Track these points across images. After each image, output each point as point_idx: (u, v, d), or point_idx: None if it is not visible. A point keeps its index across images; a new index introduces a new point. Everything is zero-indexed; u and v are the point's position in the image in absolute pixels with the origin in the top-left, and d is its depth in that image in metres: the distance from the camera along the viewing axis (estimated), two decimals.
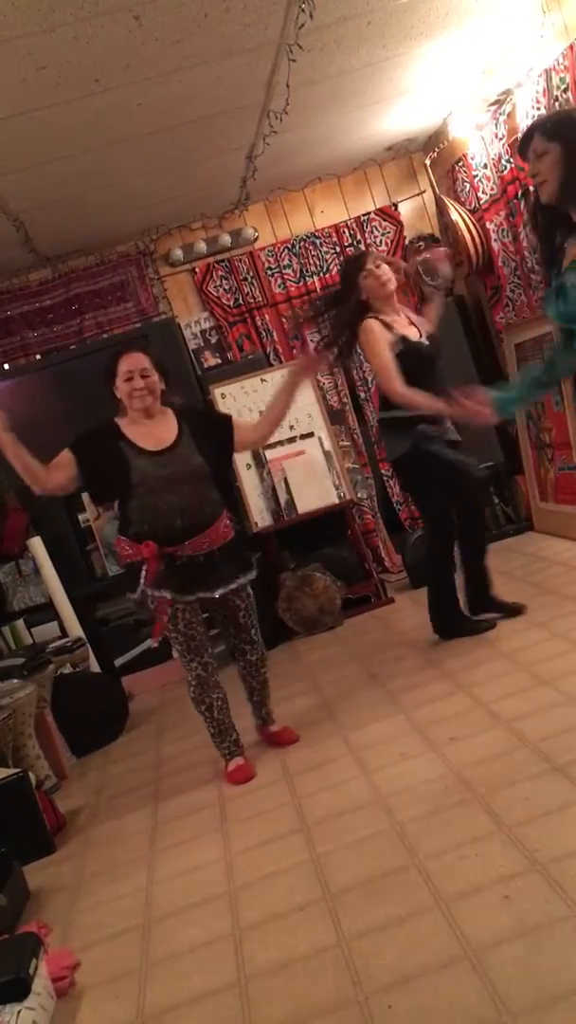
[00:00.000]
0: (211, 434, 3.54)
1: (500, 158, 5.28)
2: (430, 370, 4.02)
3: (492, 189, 5.53)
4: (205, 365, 6.24)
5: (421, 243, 6.29)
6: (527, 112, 4.77)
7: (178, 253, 6.22)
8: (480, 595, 4.29)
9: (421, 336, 4.11)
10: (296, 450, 5.69)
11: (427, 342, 4.11)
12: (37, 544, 5.44)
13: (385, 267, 4.06)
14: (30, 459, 3.32)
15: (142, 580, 3.37)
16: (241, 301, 6.29)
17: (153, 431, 3.46)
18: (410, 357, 3.98)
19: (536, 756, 2.86)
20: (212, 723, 3.61)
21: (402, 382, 3.94)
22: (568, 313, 2.62)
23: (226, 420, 3.66)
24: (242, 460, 5.65)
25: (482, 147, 5.46)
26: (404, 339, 4.01)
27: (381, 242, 6.32)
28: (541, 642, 3.85)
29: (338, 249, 6.29)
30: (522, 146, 2.65)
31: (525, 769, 2.80)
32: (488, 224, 5.72)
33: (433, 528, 4.27)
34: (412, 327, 4.12)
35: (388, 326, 4.03)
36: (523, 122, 4.84)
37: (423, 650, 4.36)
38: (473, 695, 3.56)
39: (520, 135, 2.70)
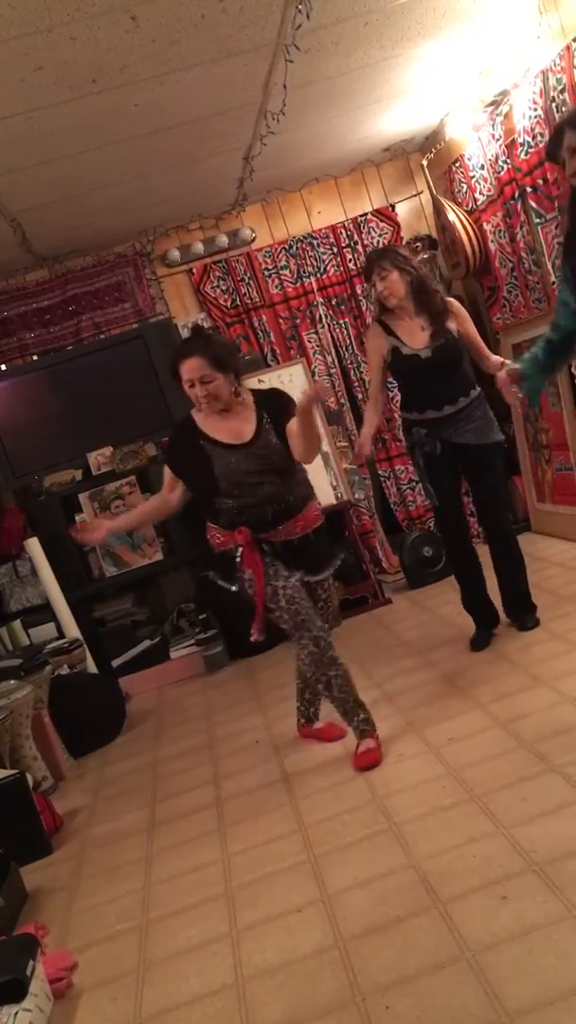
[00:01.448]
0: (289, 416, 3.31)
1: (497, 159, 5.28)
2: (428, 378, 3.98)
3: (489, 190, 5.53)
4: None
5: (419, 244, 6.31)
6: (524, 113, 4.78)
7: (175, 254, 6.22)
8: (507, 602, 4.20)
9: (427, 344, 3.98)
10: None
11: (428, 351, 3.98)
12: (34, 544, 5.44)
13: (390, 279, 3.92)
14: (143, 516, 3.69)
15: (239, 566, 3.30)
16: (238, 302, 6.29)
17: (231, 425, 3.32)
18: (400, 366, 4.03)
19: (534, 757, 2.86)
20: (335, 701, 3.39)
21: (375, 391, 4.14)
22: None
23: (293, 403, 3.38)
24: None
25: (479, 148, 5.46)
26: (395, 350, 3.99)
27: (378, 243, 6.31)
28: (539, 643, 3.86)
29: (335, 250, 6.29)
30: (552, 147, 2.60)
31: (523, 770, 2.80)
32: (485, 225, 5.72)
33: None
34: (421, 333, 4.00)
35: (391, 331, 4.00)
36: (520, 123, 4.84)
37: (421, 651, 4.36)
38: (471, 696, 3.57)
39: (552, 135, 2.68)
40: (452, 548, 4.30)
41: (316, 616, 3.34)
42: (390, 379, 4.20)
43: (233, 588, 3.39)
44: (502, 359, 4.05)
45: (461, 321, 4.06)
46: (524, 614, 4.12)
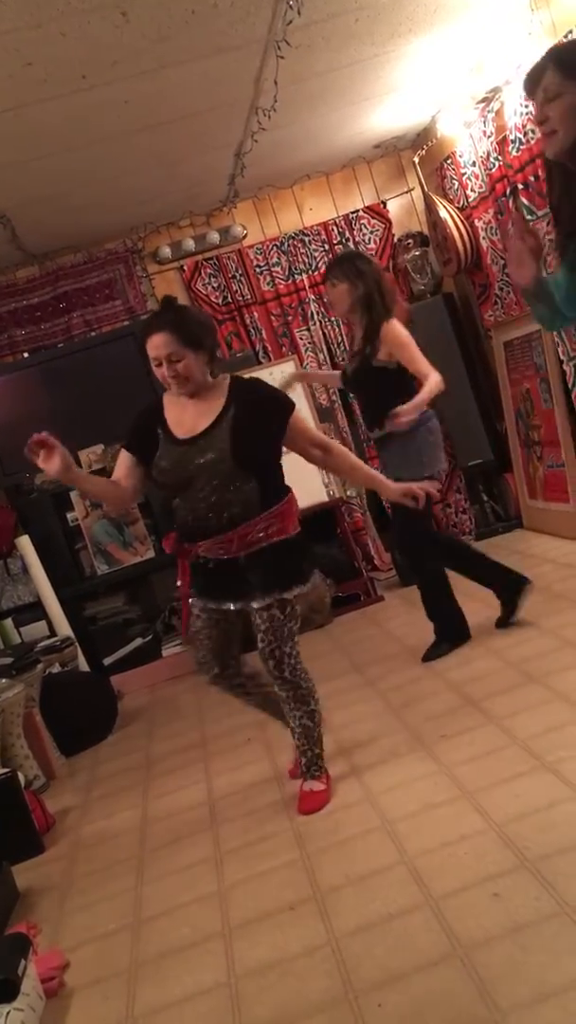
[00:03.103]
0: (257, 421, 2.90)
1: (489, 156, 5.28)
2: (357, 393, 4.14)
3: (481, 187, 5.53)
4: None
5: (410, 241, 6.30)
6: (515, 110, 4.77)
7: (166, 251, 6.21)
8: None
9: (353, 358, 4.06)
10: (285, 448, 5.68)
11: (351, 370, 4.08)
12: (25, 543, 5.42)
13: (336, 291, 3.93)
14: (98, 485, 3.09)
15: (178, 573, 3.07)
16: (230, 299, 6.28)
17: (190, 415, 2.92)
18: (344, 378, 4.16)
19: (526, 753, 2.86)
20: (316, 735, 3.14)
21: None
22: None
23: (283, 409, 2.96)
24: None
25: (471, 145, 5.46)
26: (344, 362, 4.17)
27: (370, 240, 6.32)
28: (531, 639, 3.86)
29: (327, 247, 6.29)
30: (530, 81, 2.10)
31: (515, 766, 2.80)
32: (477, 222, 5.72)
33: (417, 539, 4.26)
34: (356, 352, 4.07)
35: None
36: (511, 120, 4.84)
37: (412, 648, 4.36)
38: (463, 693, 3.57)
39: (531, 67, 2.11)
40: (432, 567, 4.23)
41: (216, 662, 3.08)
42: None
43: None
44: (414, 403, 3.82)
45: (393, 347, 3.88)
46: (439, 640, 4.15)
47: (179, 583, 3.04)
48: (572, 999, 1.78)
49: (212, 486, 2.85)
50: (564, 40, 1.98)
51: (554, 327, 2.46)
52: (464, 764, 2.95)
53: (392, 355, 3.88)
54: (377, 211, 6.37)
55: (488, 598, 4.21)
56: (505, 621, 4.10)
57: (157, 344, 2.84)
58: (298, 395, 5.82)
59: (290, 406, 2.97)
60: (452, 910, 2.20)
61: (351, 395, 4.28)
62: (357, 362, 4.00)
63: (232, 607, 3.00)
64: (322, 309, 6.27)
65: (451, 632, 4.12)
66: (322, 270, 6.21)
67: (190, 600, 3.04)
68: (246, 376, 3.07)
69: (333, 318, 6.26)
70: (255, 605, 2.94)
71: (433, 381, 3.81)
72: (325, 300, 4.15)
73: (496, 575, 4.14)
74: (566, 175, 2.11)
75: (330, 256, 6.24)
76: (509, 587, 4.11)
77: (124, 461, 3.03)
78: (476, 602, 4.28)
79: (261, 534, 2.90)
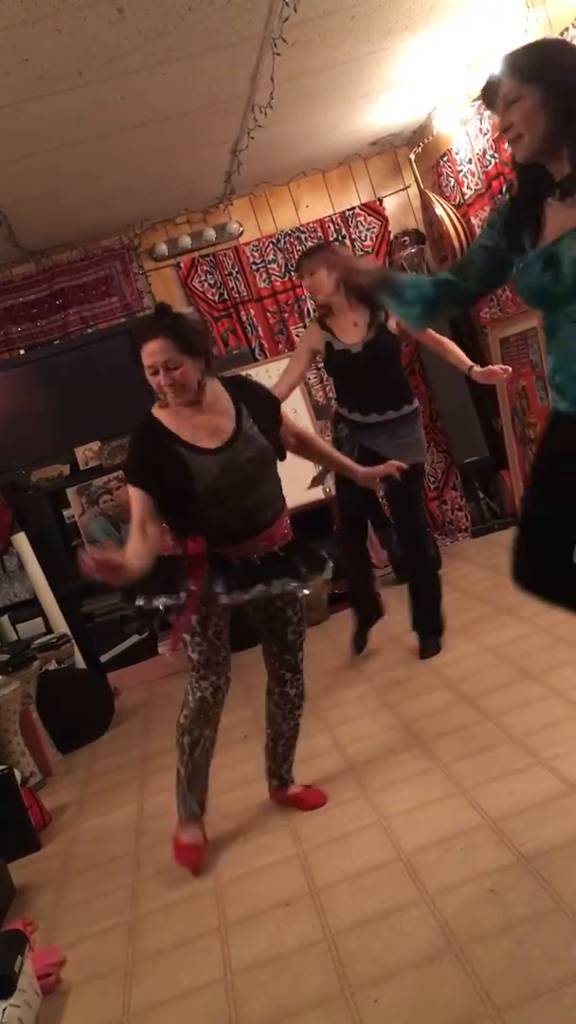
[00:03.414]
0: (266, 415, 2.88)
1: (485, 153, 5.28)
2: (359, 374, 4.00)
3: (477, 184, 5.53)
4: None
5: (406, 238, 6.30)
6: None
7: (162, 248, 6.20)
8: (417, 620, 4.24)
9: (359, 340, 3.99)
10: None
11: (359, 348, 3.98)
12: (22, 540, 5.42)
13: (317, 277, 3.94)
14: (144, 557, 2.66)
15: (177, 578, 2.77)
16: (226, 296, 6.27)
17: (206, 422, 2.77)
18: (334, 362, 4.07)
19: (522, 750, 2.87)
20: (188, 764, 2.99)
21: (285, 387, 4.03)
22: (548, 288, 2.04)
23: (277, 403, 3.00)
24: None
25: (467, 142, 5.46)
26: (328, 345, 4.02)
27: (366, 237, 6.32)
28: (526, 636, 3.87)
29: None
30: (488, 93, 2.11)
31: (511, 763, 2.81)
32: (473, 219, 5.72)
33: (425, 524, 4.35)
34: (355, 329, 4.00)
35: (328, 329, 4.03)
36: None
37: (408, 644, 4.36)
38: (458, 690, 3.57)
39: (486, 81, 2.13)
40: (350, 555, 4.37)
41: (229, 666, 2.92)
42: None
43: (161, 604, 2.78)
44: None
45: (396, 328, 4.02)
46: (428, 636, 4.16)
47: (191, 588, 2.75)
48: (567, 995, 1.79)
49: (262, 482, 2.82)
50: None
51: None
52: (460, 760, 2.96)
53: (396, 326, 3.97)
54: (373, 208, 6.37)
55: (482, 593, 4.22)
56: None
57: (153, 351, 2.71)
58: (295, 394, 5.83)
59: (278, 399, 3.06)
60: (448, 906, 2.21)
61: (336, 379, 4.19)
62: (373, 333, 3.95)
63: (274, 591, 2.85)
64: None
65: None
66: None
67: (218, 599, 2.80)
68: (230, 375, 3.01)
69: None
70: (284, 591, 2.86)
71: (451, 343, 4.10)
72: (305, 291, 4.09)
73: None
74: (536, 182, 2.07)
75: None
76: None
77: (143, 503, 2.72)
78: (471, 599, 4.28)
79: (286, 529, 2.94)
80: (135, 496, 2.74)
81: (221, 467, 2.72)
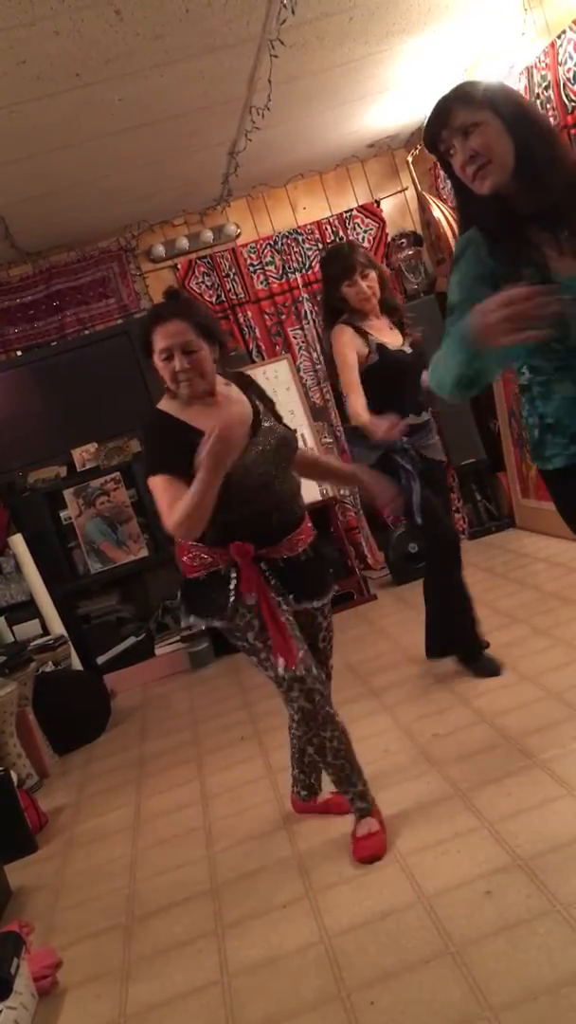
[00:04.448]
0: (271, 410, 2.73)
1: None
2: (410, 379, 3.78)
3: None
4: None
5: (404, 240, 6.31)
6: None
7: (160, 249, 6.20)
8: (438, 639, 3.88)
9: (403, 343, 3.78)
10: None
11: (409, 349, 3.80)
12: (18, 541, 5.41)
13: (371, 279, 3.69)
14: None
15: (232, 591, 2.55)
16: (223, 298, 6.27)
17: (223, 415, 2.48)
18: (390, 366, 3.71)
19: (518, 752, 2.87)
20: (328, 768, 2.71)
21: (364, 402, 3.58)
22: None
23: (274, 404, 2.81)
24: None
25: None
26: (382, 347, 3.71)
27: (364, 239, 6.32)
28: (523, 638, 3.87)
29: (320, 245, 6.28)
30: (432, 134, 1.92)
31: (507, 765, 2.81)
32: None
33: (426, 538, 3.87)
34: (393, 332, 3.80)
35: (364, 333, 3.71)
36: None
37: (405, 647, 4.37)
38: (455, 691, 3.57)
39: (428, 125, 1.94)
40: (447, 567, 3.78)
41: (311, 661, 2.63)
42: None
43: (210, 624, 2.64)
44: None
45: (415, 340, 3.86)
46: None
47: (252, 595, 2.56)
48: (564, 996, 1.79)
49: (289, 479, 2.66)
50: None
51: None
52: (456, 762, 2.96)
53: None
54: (371, 210, 6.37)
55: (479, 596, 4.21)
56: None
57: (171, 332, 2.45)
58: (292, 394, 5.84)
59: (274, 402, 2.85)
60: (444, 908, 2.21)
61: (384, 383, 3.68)
62: (410, 339, 3.81)
63: (323, 602, 2.76)
64: (315, 308, 6.27)
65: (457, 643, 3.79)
66: (315, 269, 6.23)
67: (280, 604, 2.60)
68: (233, 373, 2.79)
69: None
70: (325, 600, 2.77)
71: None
72: (357, 293, 3.78)
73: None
74: (499, 214, 1.88)
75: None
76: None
77: (176, 488, 2.41)
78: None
79: (310, 525, 2.78)
80: (162, 485, 2.43)
81: (249, 456, 2.51)
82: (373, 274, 3.71)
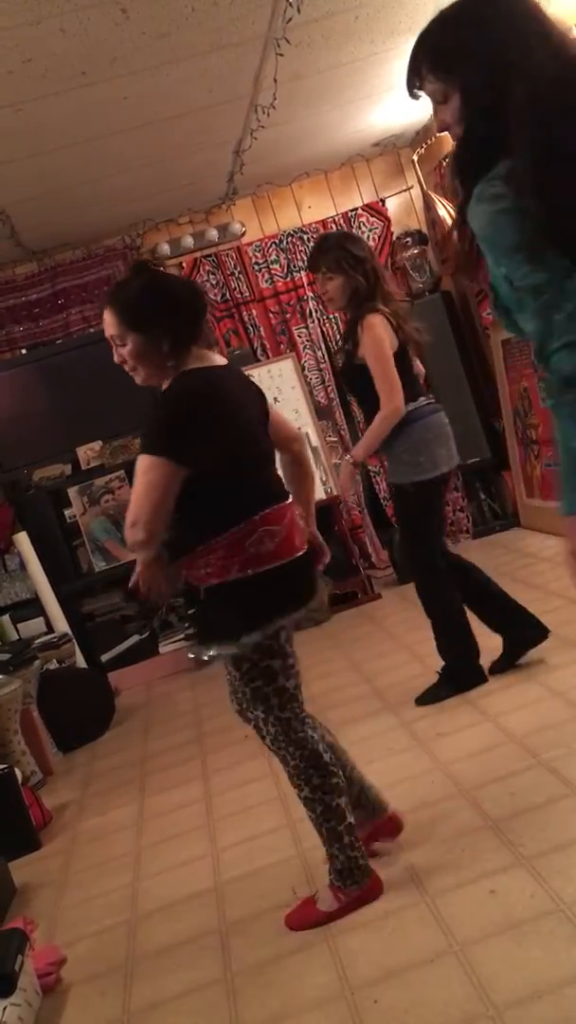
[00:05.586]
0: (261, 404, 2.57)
1: None
2: (348, 387, 3.72)
3: None
4: None
5: (409, 239, 6.30)
6: None
7: (165, 248, 6.20)
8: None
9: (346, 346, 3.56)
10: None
11: (343, 358, 3.63)
12: (23, 539, 5.42)
13: (333, 285, 3.43)
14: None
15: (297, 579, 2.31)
16: (228, 296, 6.27)
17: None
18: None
19: (522, 751, 2.87)
20: (332, 833, 2.33)
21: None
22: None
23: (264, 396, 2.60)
24: None
25: None
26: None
27: (369, 238, 6.30)
28: None
29: None
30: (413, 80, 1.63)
31: (511, 764, 2.81)
32: None
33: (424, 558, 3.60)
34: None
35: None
36: None
37: (409, 645, 4.37)
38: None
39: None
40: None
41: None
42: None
43: (251, 639, 2.25)
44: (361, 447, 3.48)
45: (363, 349, 3.39)
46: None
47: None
48: (567, 995, 1.79)
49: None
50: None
51: None
52: (460, 761, 2.96)
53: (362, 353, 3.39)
54: (376, 209, 6.37)
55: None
56: (501, 667, 3.58)
57: (105, 321, 2.31)
58: (296, 393, 5.84)
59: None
60: (448, 907, 2.21)
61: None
62: (342, 358, 3.59)
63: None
64: (320, 307, 6.27)
65: (459, 676, 3.56)
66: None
67: (281, 620, 2.31)
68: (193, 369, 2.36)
69: (332, 315, 6.23)
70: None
71: (383, 414, 3.36)
72: (319, 292, 3.67)
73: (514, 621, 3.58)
74: None
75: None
76: (522, 640, 3.57)
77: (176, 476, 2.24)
78: None
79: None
80: (170, 472, 2.22)
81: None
82: (337, 282, 3.41)
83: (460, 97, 1.56)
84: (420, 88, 1.63)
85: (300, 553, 2.32)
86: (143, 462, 2.23)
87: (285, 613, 2.29)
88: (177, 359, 2.29)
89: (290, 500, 2.37)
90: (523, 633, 3.57)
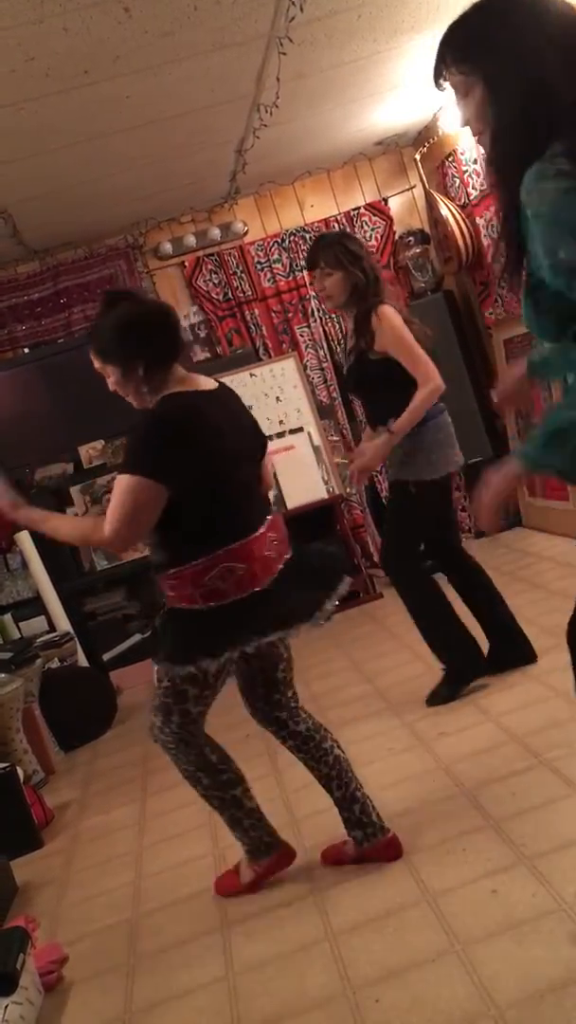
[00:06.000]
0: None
1: None
2: (355, 390, 3.73)
3: (482, 185, 5.53)
4: (194, 360, 6.23)
5: (411, 238, 6.30)
6: None
7: (167, 247, 6.20)
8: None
9: (347, 356, 3.62)
10: (285, 445, 5.69)
11: (345, 366, 3.68)
12: (25, 538, 5.42)
13: (332, 281, 3.43)
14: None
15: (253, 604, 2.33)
16: (230, 295, 6.27)
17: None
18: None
19: (524, 751, 2.87)
20: (232, 820, 2.58)
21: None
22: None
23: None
24: None
25: (472, 142, 5.45)
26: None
27: (371, 237, 6.31)
28: (530, 637, 3.85)
29: None
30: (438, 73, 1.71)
31: (513, 764, 2.81)
32: (478, 219, 5.72)
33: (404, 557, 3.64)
34: (350, 341, 3.56)
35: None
36: None
37: (411, 645, 4.36)
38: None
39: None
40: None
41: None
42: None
43: (224, 656, 2.35)
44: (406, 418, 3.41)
45: (382, 340, 3.38)
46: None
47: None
48: (569, 995, 1.79)
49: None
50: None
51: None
52: (461, 761, 2.96)
53: (379, 349, 3.40)
54: (378, 208, 6.37)
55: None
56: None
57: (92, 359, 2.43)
58: (299, 392, 5.84)
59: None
60: (450, 906, 2.21)
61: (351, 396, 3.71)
62: (352, 358, 3.58)
63: (298, 630, 2.47)
64: (323, 306, 6.27)
65: (461, 670, 3.55)
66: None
67: (227, 654, 2.37)
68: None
69: (334, 315, 6.22)
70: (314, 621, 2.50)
71: (427, 390, 3.38)
72: (316, 291, 3.65)
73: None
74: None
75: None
76: (508, 660, 3.58)
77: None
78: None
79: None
80: (152, 492, 2.30)
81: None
82: (336, 276, 3.42)
83: (484, 88, 1.59)
84: (445, 80, 1.69)
85: (259, 588, 2.35)
86: (118, 482, 2.31)
87: (234, 646, 2.34)
88: (149, 384, 2.37)
89: (263, 529, 2.39)
90: (511, 653, 3.59)
